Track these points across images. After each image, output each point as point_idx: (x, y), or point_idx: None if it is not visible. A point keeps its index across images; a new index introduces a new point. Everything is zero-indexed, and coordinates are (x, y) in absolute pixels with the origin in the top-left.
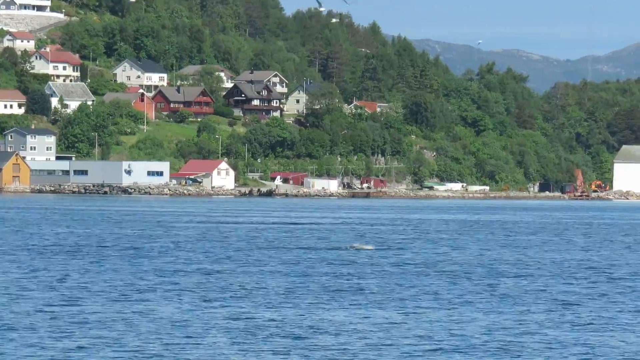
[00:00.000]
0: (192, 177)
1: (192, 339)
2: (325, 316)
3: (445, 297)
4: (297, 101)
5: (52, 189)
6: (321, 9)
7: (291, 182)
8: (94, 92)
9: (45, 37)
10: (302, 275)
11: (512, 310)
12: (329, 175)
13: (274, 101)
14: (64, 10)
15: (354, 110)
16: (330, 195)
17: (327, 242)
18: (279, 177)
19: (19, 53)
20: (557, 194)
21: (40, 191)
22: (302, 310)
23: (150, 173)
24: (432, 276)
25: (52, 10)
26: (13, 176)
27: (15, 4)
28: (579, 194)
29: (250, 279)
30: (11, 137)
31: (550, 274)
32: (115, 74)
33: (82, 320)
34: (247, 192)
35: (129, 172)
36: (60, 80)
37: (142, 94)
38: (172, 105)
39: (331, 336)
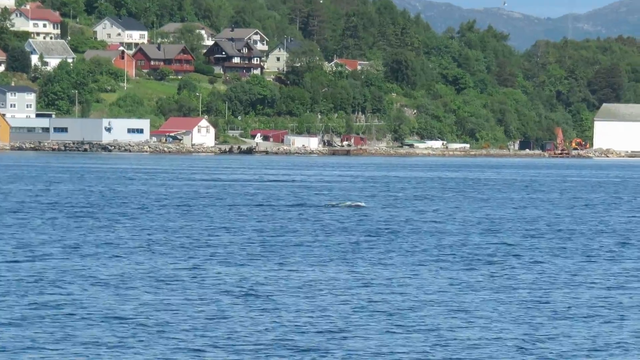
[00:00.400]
0: (172, 134)
1: (158, 294)
2: (292, 274)
3: (414, 254)
4: (278, 59)
5: (32, 146)
6: None
7: (271, 139)
8: (74, 50)
9: None
10: (278, 232)
11: (483, 268)
12: (309, 132)
13: (255, 59)
14: None
15: (334, 68)
16: (310, 153)
17: (305, 199)
18: (259, 134)
19: None
20: (538, 151)
21: (20, 148)
22: (273, 267)
23: (130, 130)
24: (405, 234)
25: None
26: None
27: None
28: (559, 151)
29: (224, 236)
30: None
31: (520, 231)
32: (95, 32)
33: (40, 277)
34: (227, 149)
35: (109, 130)
36: (41, 37)
37: (123, 52)
38: (152, 62)
39: (289, 292)
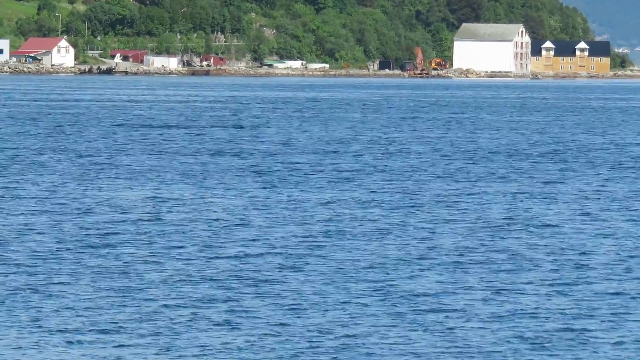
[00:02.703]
0: (32, 55)
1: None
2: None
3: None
4: None
5: None
6: None
7: (131, 59)
8: None
9: None
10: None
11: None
12: (169, 53)
13: None
14: None
15: None
16: (170, 73)
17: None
18: (118, 54)
19: None
20: (397, 71)
21: None
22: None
23: None
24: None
25: None
26: None
27: None
28: (419, 72)
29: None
30: None
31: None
32: None
33: None
34: (86, 69)
35: None
36: None
37: None
38: None
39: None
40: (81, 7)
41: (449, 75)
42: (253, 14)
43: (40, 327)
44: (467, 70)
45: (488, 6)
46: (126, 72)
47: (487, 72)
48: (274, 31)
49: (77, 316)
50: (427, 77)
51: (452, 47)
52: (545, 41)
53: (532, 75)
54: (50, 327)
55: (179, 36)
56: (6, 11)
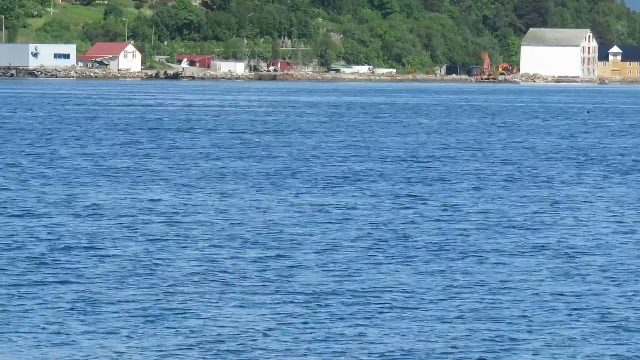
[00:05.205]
0: (98, 59)
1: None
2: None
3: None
4: None
5: None
6: None
7: (198, 64)
8: None
9: None
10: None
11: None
12: (236, 57)
13: None
14: None
15: None
16: (236, 78)
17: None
18: (185, 59)
19: None
20: (464, 76)
21: None
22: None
23: (57, 56)
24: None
25: None
26: None
27: None
28: (486, 76)
29: (150, 162)
30: None
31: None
32: None
33: None
34: (153, 74)
35: (35, 55)
36: None
37: None
38: None
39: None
40: (148, 12)
41: (516, 80)
42: (320, 19)
43: (53, 324)
44: (534, 75)
45: (555, 11)
46: (193, 77)
47: (554, 77)
48: (341, 36)
49: (81, 315)
50: (495, 82)
51: (519, 52)
52: (612, 46)
53: (599, 80)
54: (53, 327)
55: (245, 41)
56: (73, 16)
